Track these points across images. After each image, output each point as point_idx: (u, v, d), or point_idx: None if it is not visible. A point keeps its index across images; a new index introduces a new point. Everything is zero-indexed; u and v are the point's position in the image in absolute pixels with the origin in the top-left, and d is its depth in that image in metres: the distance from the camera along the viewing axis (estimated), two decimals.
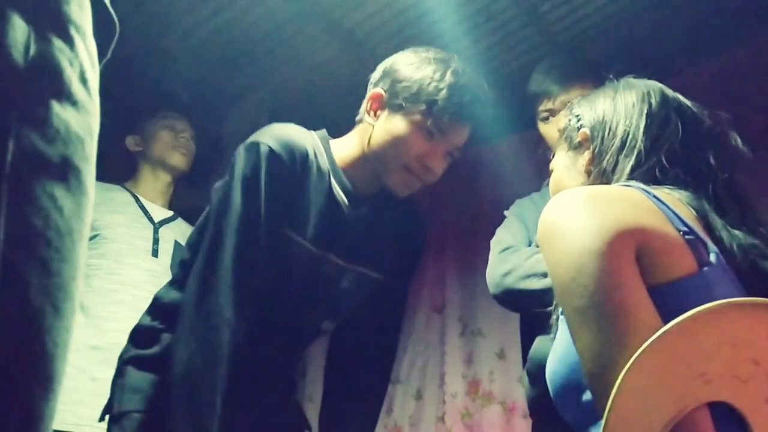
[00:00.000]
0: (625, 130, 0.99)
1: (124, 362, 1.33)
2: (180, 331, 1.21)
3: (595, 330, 0.75)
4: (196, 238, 1.36)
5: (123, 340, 1.44)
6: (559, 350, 0.89)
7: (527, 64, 2.53)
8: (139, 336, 1.36)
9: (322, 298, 1.39)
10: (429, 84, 1.29)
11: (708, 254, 0.83)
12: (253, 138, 1.30)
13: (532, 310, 1.64)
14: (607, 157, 1.00)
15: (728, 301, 0.73)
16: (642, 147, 0.97)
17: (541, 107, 1.82)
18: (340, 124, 1.50)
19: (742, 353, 0.71)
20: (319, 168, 1.34)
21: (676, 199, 0.91)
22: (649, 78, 2.42)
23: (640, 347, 0.70)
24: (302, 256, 1.31)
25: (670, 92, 1.05)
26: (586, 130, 1.05)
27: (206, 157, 2.57)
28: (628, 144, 0.98)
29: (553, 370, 0.90)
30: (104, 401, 1.34)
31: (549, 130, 1.79)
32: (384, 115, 1.34)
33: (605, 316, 0.75)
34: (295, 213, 1.29)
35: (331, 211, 1.34)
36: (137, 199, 2.22)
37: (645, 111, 1.00)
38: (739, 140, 1.03)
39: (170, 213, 2.30)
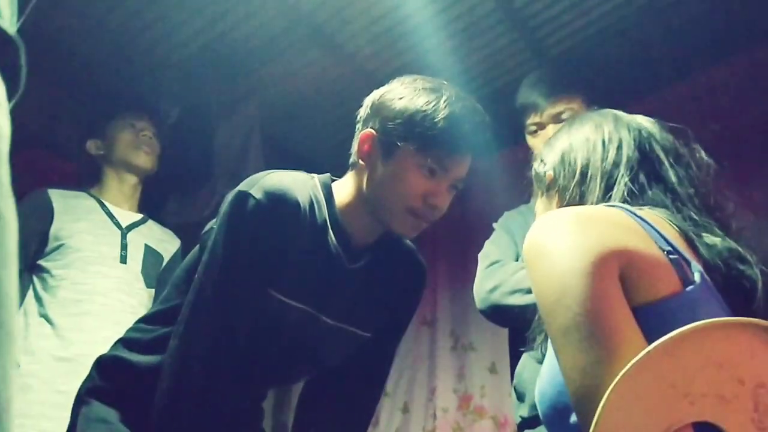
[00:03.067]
0: (582, 163, 1.01)
1: (88, 391, 1.28)
2: (163, 370, 1.18)
3: (579, 350, 0.75)
4: (182, 276, 1.30)
5: (90, 350, 1.40)
6: (547, 372, 0.89)
7: (518, 78, 2.53)
8: (105, 367, 1.30)
9: (305, 354, 1.31)
10: (423, 118, 1.18)
11: (692, 273, 0.83)
12: (243, 186, 1.20)
13: (519, 325, 1.63)
14: (569, 192, 1.01)
15: (713, 320, 0.72)
16: (603, 174, 0.98)
17: (529, 121, 1.82)
18: (330, 139, 1.48)
19: (726, 373, 0.71)
20: (314, 222, 1.23)
21: (660, 218, 0.91)
22: (639, 91, 2.45)
23: (624, 367, 0.69)
24: (289, 315, 1.22)
25: (625, 115, 1.07)
26: (550, 173, 1.07)
27: (197, 170, 2.57)
28: (589, 175, 1.00)
29: (541, 392, 0.90)
30: (68, 414, 1.29)
31: (537, 143, 1.79)
32: (378, 156, 1.23)
33: (589, 337, 0.74)
34: (283, 271, 1.20)
35: (325, 268, 1.25)
36: (103, 205, 2.14)
37: (600, 139, 1.02)
38: (702, 153, 1.04)
39: (139, 216, 2.21)
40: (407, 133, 1.20)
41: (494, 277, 1.66)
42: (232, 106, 2.63)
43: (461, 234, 2.87)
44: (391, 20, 2.35)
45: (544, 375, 0.90)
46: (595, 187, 0.98)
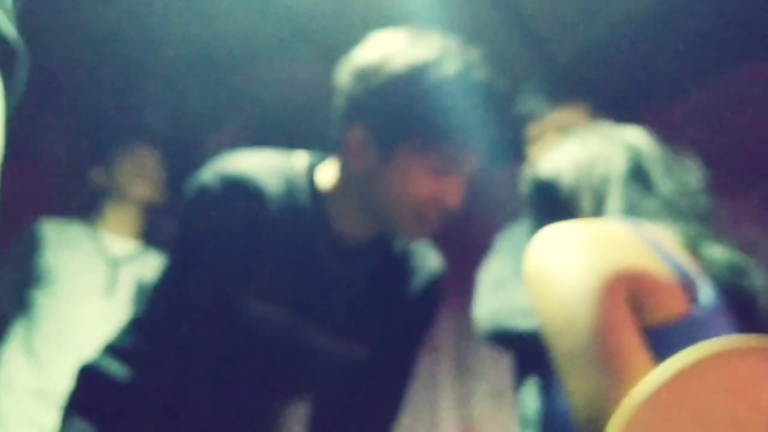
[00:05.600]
0: (571, 183, 1.01)
1: (69, 403, 1.21)
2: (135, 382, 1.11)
3: (588, 376, 0.73)
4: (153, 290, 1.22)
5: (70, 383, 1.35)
6: (550, 399, 0.87)
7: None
8: (85, 377, 1.23)
9: (294, 369, 1.16)
10: (422, 110, 1.00)
11: (700, 293, 0.82)
12: (202, 173, 1.06)
13: (523, 349, 1.57)
14: (561, 211, 1.01)
15: (726, 344, 0.70)
16: (593, 191, 0.98)
17: (529, 130, 1.78)
18: (326, 148, 1.35)
19: (741, 397, 0.68)
20: (289, 212, 1.07)
21: (663, 234, 0.90)
22: (650, 102, 2.41)
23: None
24: (265, 322, 1.08)
25: (613, 130, 1.07)
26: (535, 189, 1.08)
27: (185, 185, 2.53)
28: (579, 192, 1.00)
29: (547, 420, 0.89)
30: None
31: (539, 151, 1.76)
32: (372, 156, 1.05)
33: (599, 362, 0.73)
34: (253, 270, 1.05)
35: (308, 268, 1.09)
36: (97, 235, 2.14)
37: (587, 156, 1.02)
38: (692, 164, 1.03)
39: (136, 246, 2.21)
40: (407, 130, 1.02)
41: (496, 298, 1.60)
42: (223, 117, 2.61)
43: (462, 253, 2.81)
44: (389, 26, 2.31)
45: (549, 402, 0.89)
46: (587, 205, 0.98)
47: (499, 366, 2.56)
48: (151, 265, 2.17)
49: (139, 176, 2.19)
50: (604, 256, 0.80)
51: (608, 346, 0.73)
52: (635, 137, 1.05)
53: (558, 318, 0.78)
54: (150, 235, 2.29)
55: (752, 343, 0.71)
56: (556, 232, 0.86)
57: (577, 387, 0.74)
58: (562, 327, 0.77)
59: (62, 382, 1.77)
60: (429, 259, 1.24)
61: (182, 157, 2.44)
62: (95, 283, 2.04)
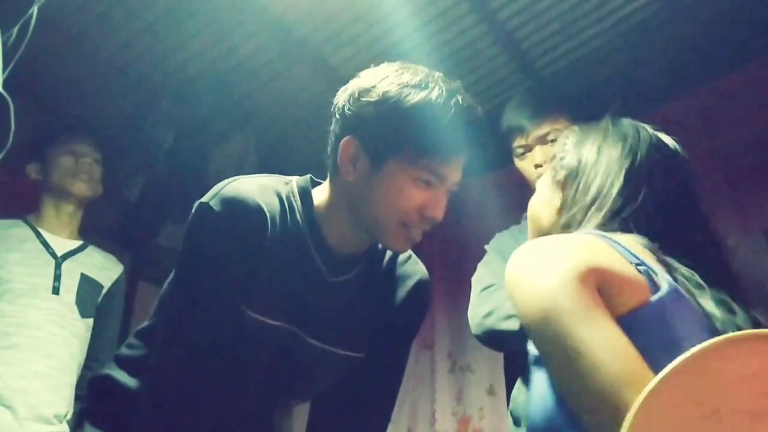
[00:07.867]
0: (599, 188, 0.97)
1: (81, 413, 1.22)
2: (140, 393, 1.11)
3: (576, 369, 0.72)
4: (168, 290, 1.21)
5: (19, 384, 1.30)
6: (535, 397, 0.87)
7: (510, 99, 2.54)
8: (95, 387, 1.23)
9: (292, 377, 1.19)
10: (413, 125, 1.04)
11: (660, 281, 0.82)
12: (205, 197, 1.08)
13: (514, 350, 1.59)
14: (576, 209, 0.98)
15: (738, 334, 0.69)
16: (612, 207, 0.95)
17: (515, 143, 1.77)
18: (326, 163, 1.38)
19: (754, 388, 0.67)
20: (287, 230, 1.10)
21: (632, 240, 0.90)
22: (630, 112, 2.44)
23: (625, 377, 0.68)
24: (268, 334, 1.10)
25: (658, 140, 1.01)
26: (562, 177, 1.03)
27: (191, 196, 2.53)
28: (599, 201, 0.96)
29: (531, 418, 0.88)
30: None
31: (525, 165, 1.74)
32: (364, 167, 1.08)
33: (583, 354, 0.72)
34: (255, 286, 1.08)
35: (306, 281, 1.12)
36: (38, 234, 2.02)
37: (626, 168, 0.97)
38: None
39: (77, 243, 2.09)
40: (397, 143, 1.05)
41: (489, 301, 1.62)
42: (227, 130, 2.60)
43: (457, 254, 2.84)
44: (383, 44, 2.35)
45: (532, 401, 0.88)
46: (599, 216, 0.95)
47: (493, 364, 2.60)
48: (93, 261, 2.09)
49: (77, 174, 2.06)
50: (572, 255, 0.82)
51: (588, 336, 0.73)
52: (653, 157, 0.99)
53: (536, 316, 0.78)
54: (144, 231, 2.23)
55: (763, 332, 0.71)
56: (527, 245, 0.89)
57: (567, 383, 0.75)
58: (542, 324, 0.77)
59: (10, 385, 1.77)
60: (416, 268, 1.29)
61: (189, 166, 2.46)
62: (40, 283, 1.95)
